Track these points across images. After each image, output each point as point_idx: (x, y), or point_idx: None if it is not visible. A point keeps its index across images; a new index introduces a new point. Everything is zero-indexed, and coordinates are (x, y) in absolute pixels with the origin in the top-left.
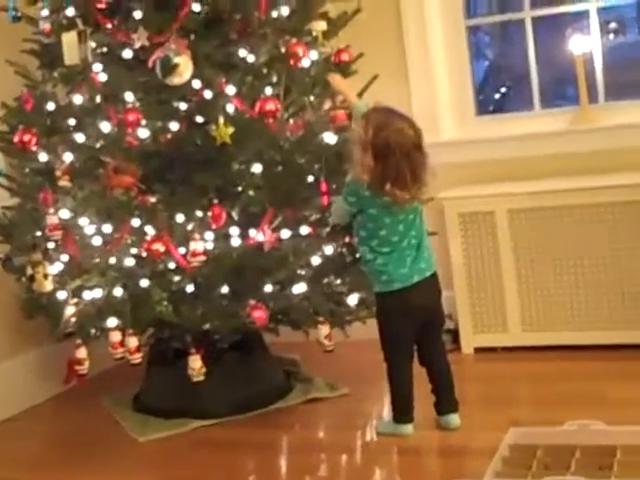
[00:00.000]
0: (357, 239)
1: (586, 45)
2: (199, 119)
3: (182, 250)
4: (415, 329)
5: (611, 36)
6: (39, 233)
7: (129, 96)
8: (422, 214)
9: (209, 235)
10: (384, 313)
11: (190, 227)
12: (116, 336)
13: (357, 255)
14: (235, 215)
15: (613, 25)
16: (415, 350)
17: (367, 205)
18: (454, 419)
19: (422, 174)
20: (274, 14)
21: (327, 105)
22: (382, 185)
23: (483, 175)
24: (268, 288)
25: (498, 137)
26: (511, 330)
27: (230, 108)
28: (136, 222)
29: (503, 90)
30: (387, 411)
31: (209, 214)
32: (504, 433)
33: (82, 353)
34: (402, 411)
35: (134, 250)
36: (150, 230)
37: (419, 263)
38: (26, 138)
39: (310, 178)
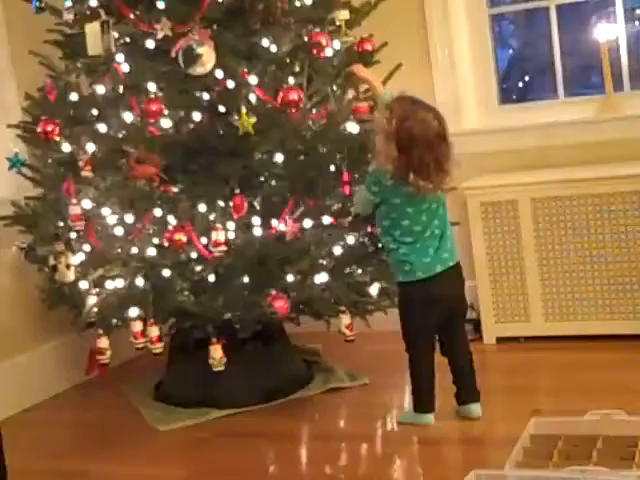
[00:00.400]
0: (380, 229)
1: (611, 32)
2: (221, 109)
3: (204, 240)
4: (437, 319)
5: (637, 23)
6: (62, 223)
7: (152, 86)
8: (445, 204)
9: (231, 225)
10: (406, 303)
11: (212, 217)
12: (138, 326)
13: (379, 245)
14: (257, 205)
15: (639, 12)
16: (437, 340)
17: (390, 195)
18: (475, 409)
19: (446, 164)
20: (297, 3)
21: (350, 95)
22: (406, 175)
23: (506, 164)
24: (290, 278)
25: (522, 126)
26: (533, 320)
27: (253, 98)
28: (158, 212)
29: (527, 79)
30: (408, 401)
31: (231, 204)
32: (525, 423)
33: (104, 343)
34: (423, 401)
35: (156, 240)
36: (172, 220)
37: (442, 253)
38: (49, 128)
39: (332, 168)
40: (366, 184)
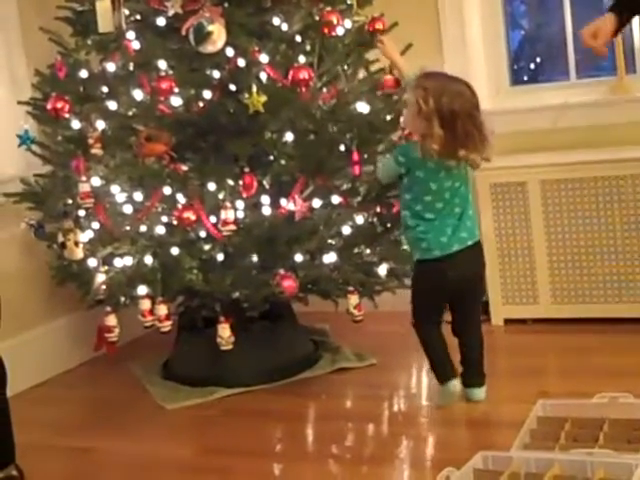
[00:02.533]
0: (401, 202)
1: None
2: (232, 87)
3: (213, 219)
4: (449, 299)
5: None
6: (71, 201)
7: (162, 64)
8: (469, 182)
9: (240, 204)
10: (420, 280)
11: (221, 196)
12: (146, 304)
13: (388, 225)
14: (266, 184)
15: None
16: (449, 320)
17: (415, 167)
18: (478, 393)
19: (486, 133)
20: None
21: (361, 74)
22: (455, 152)
23: (517, 145)
24: (298, 257)
25: (533, 107)
26: (541, 302)
27: (263, 76)
28: (167, 190)
29: (538, 60)
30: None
31: (240, 183)
32: (532, 405)
33: (112, 320)
34: (443, 368)
35: (165, 218)
36: (181, 198)
37: (460, 232)
38: (59, 105)
39: (342, 147)
40: (394, 152)
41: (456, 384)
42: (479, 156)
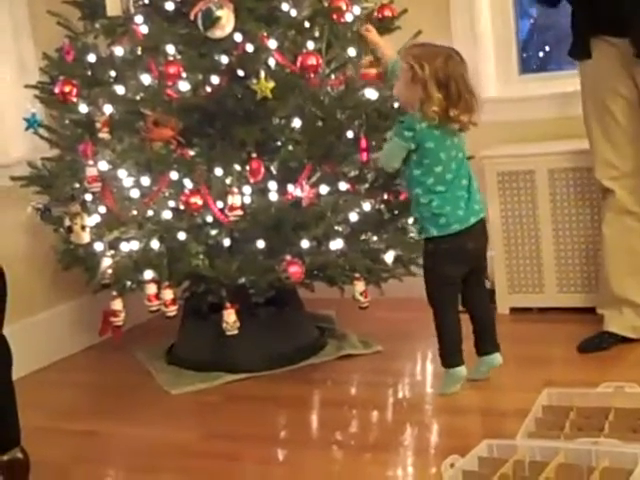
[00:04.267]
0: (410, 181)
1: None
2: (240, 73)
3: (220, 204)
4: (464, 272)
5: None
6: (78, 185)
7: (170, 49)
8: (466, 154)
9: (247, 189)
10: (437, 257)
11: (228, 181)
12: (152, 289)
13: (395, 212)
14: (274, 170)
15: None
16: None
17: (424, 138)
18: (497, 358)
19: (475, 98)
20: None
21: (365, 60)
22: (447, 113)
23: (525, 134)
24: (305, 244)
25: (542, 96)
26: (547, 291)
27: (271, 62)
28: (174, 175)
29: (547, 49)
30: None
31: (247, 168)
32: (538, 394)
33: (118, 305)
34: (452, 354)
35: (172, 203)
36: (188, 183)
37: (473, 204)
38: (67, 89)
39: (350, 134)
40: (397, 132)
41: (463, 370)
42: (468, 118)
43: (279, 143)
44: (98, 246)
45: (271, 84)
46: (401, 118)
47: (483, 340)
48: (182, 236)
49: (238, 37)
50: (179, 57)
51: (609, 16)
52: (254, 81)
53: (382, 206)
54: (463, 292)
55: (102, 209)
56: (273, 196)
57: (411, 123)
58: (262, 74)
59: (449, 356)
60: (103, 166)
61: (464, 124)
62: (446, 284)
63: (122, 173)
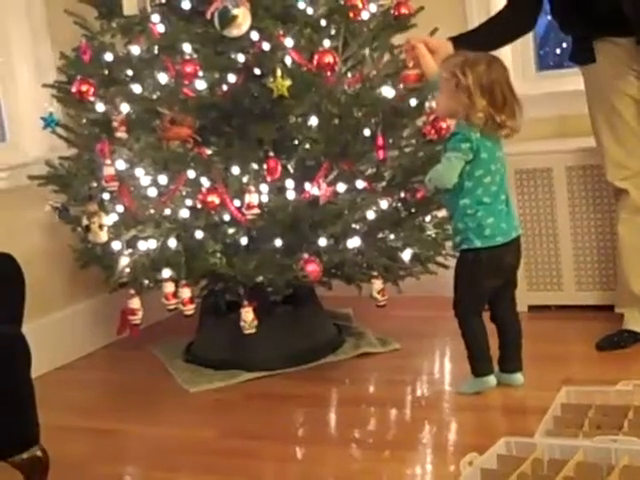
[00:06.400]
0: (459, 192)
1: None
2: (256, 71)
3: (237, 202)
4: (498, 285)
5: None
6: (95, 184)
7: (187, 47)
8: (505, 166)
9: (264, 188)
10: (476, 268)
11: (245, 180)
12: (169, 287)
13: (412, 210)
14: (291, 168)
15: None
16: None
17: (480, 148)
18: (519, 378)
19: (519, 104)
20: None
21: (386, 58)
22: (493, 119)
23: (543, 131)
24: (322, 242)
25: (559, 93)
26: (565, 289)
27: (288, 60)
28: (192, 174)
29: (564, 45)
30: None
31: (264, 167)
32: (556, 392)
33: (135, 303)
34: (482, 362)
35: (189, 202)
36: (205, 182)
37: (512, 219)
38: (84, 88)
39: (367, 132)
40: (454, 147)
41: (493, 380)
42: (515, 123)
43: (296, 141)
44: (116, 245)
45: (287, 82)
46: (454, 130)
47: (507, 356)
48: (199, 235)
49: (254, 35)
50: (196, 56)
51: (612, 16)
52: (270, 79)
53: (399, 204)
54: (493, 306)
55: (119, 208)
56: (290, 194)
57: (466, 134)
58: (278, 72)
59: (478, 364)
60: (120, 165)
61: (511, 129)
62: (478, 295)
63: (139, 172)
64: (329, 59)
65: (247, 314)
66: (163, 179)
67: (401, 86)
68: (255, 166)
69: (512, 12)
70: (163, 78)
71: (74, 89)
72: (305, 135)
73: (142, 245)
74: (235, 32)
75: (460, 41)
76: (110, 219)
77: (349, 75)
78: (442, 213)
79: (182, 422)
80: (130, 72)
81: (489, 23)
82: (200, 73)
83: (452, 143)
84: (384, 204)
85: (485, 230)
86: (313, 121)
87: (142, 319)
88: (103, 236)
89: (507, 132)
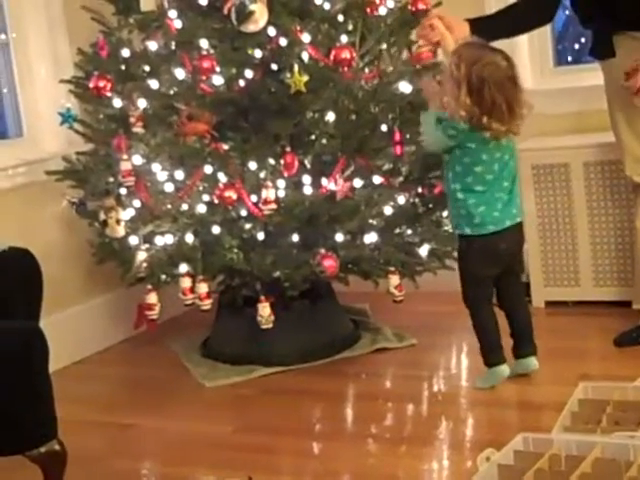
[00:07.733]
0: (450, 174)
1: None
2: (274, 67)
3: (254, 198)
4: (496, 273)
5: None
6: (112, 179)
7: (204, 43)
8: (515, 157)
9: (281, 183)
10: (470, 256)
11: (262, 175)
12: (186, 282)
13: (429, 206)
14: (308, 163)
15: None
16: (494, 293)
17: (466, 139)
18: (533, 362)
19: (517, 107)
20: None
21: (404, 55)
22: (479, 119)
23: (560, 127)
24: (339, 237)
25: (577, 88)
26: (583, 284)
27: (305, 56)
28: (209, 169)
29: (582, 40)
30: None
31: (282, 162)
32: (574, 387)
33: (152, 298)
34: (493, 352)
35: (206, 197)
36: (222, 177)
37: (511, 208)
38: (101, 84)
39: (384, 127)
40: (445, 123)
41: (506, 369)
42: (503, 127)
43: (313, 137)
44: (133, 240)
45: (305, 78)
46: (444, 116)
47: (519, 342)
48: (216, 230)
49: (272, 31)
50: (213, 51)
51: (632, 11)
52: (288, 75)
53: (416, 199)
54: (499, 293)
55: (137, 203)
56: (307, 190)
57: (453, 124)
58: (296, 68)
59: (490, 354)
60: (137, 160)
61: (498, 133)
62: (477, 283)
63: (156, 167)
64: (346, 54)
65: (264, 309)
66: (180, 174)
67: (417, 67)
68: (272, 161)
69: (532, 3)
70: (180, 74)
71: (91, 85)
72: (322, 130)
73: (159, 240)
74: (252, 27)
75: (476, 25)
76: (127, 214)
77: (366, 70)
78: None
79: (198, 417)
80: (147, 68)
81: (507, 11)
82: (217, 69)
83: (443, 122)
84: (401, 199)
85: (475, 218)
86: (330, 116)
87: (159, 314)
88: (120, 231)
89: (491, 134)
